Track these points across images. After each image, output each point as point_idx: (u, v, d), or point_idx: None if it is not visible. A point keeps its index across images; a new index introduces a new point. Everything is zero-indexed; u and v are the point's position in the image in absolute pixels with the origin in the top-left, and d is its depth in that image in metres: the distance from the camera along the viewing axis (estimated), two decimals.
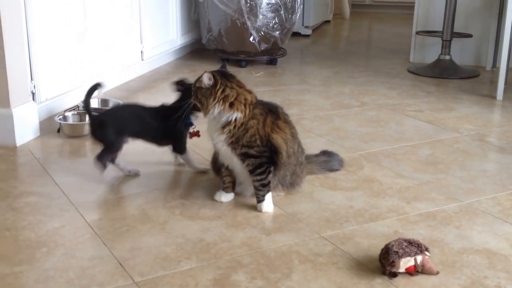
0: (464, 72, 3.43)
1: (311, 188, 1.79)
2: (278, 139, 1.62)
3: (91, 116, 1.84)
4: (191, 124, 1.84)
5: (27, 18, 2.18)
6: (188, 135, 1.86)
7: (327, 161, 1.94)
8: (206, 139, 1.73)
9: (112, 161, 1.84)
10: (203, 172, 1.89)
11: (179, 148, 1.87)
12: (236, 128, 1.59)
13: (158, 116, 1.83)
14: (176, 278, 1.29)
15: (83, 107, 1.84)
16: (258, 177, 1.61)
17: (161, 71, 3.40)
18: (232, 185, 1.69)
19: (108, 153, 1.81)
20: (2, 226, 1.52)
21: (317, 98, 2.86)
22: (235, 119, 1.58)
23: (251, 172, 1.61)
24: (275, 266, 1.35)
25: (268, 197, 1.64)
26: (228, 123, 1.58)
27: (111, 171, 1.83)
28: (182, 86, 1.83)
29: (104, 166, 1.81)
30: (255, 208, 1.65)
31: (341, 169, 1.93)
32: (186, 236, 1.48)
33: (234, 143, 1.60)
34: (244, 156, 1.60)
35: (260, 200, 1.64)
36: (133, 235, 1.45)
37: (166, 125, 1.81)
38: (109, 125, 1.80)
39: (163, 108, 1.85)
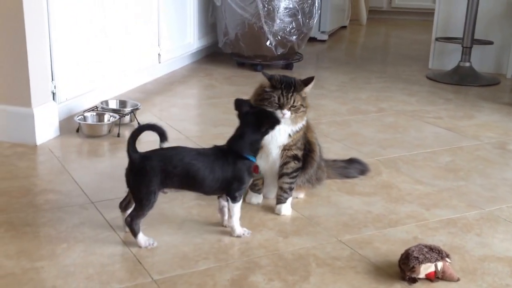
0: (484, 80, 3.40)
1: (328, 193, 1.79)
2: (312, 138, 1.65)
3: (130, 158, 1.38)
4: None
5: (49, 20, 2.21)
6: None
7: (345, 167, 1.93)
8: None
9: (125, 207, 1.46)
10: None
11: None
12: (302, 131, 1.61)
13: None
14: (194, 277, 1.29)
15: (126, 147, 1.39)
16: (291, 180, 1.63)
17: (177, 74, 3.42)
18: (262, 187, 1.70)
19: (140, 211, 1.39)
20: (23, 222, 1.53)
21: (334, 103, 2.86)
22: (305, 122, 1.61)
23: (288, 174, 1.62)
24: (293, 268, 1.35)
25: (289, 200, 1.65)
26: (301, 128, 1.60)
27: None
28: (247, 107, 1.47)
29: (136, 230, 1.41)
30: (271, 210, 1.65)
31: (358, 177, 1.92)
32: (204, 236, 1.49)
33: (292, 145, 1.60)
34: (292, 159, 1.61)
35: (282, 202, 1.64)
36: (151, 234, 1.45)
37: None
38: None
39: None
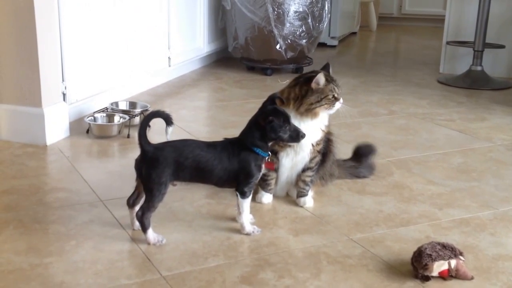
0: (496, 84, 3.37)
1: (338, 192, 1.77)
2: (327, 127, 1.68)
3: (143, 148, 1.38)
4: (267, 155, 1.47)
5: (60, 21, 2.23)
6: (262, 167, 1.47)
7: (355, 166, 1.91)
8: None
9: (133, 204, 1.46)
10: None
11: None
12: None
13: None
14: (204, 274, 1.28)
15: (138, 139, 1.39)
16: (313, 173, 1.66)
17: (187, 78, 3.43)
18: (274, 187, 1.70)
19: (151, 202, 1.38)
20: (33, 219, 1.53)
21: (346, 106, 2.83)
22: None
23: (311, 168, 1.65)
24: (303, 266, 1.33)
25: (310, 193, 1.68)
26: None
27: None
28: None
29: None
30: (282, 209, 1.64)
31: (369, 177, 1.90)
32: (213, 234, 1.47)
33: (321, 139, 1.63)
34: (318, 153, 1.64)
35: (305, 194, 1.66)
36: (160, 232, 1.44)
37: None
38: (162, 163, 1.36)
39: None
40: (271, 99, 1.47)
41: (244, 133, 1.46)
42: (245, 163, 1.42)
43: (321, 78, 1.55)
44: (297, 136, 1.45)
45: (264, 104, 1.47)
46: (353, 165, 1.91)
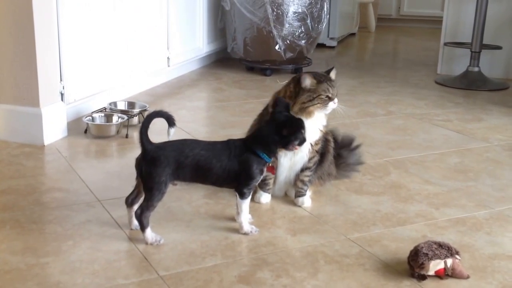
0: (493, 84, 3.38)
1: (336, 192, 1.77)
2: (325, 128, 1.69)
3: (144, 147, 1.39)
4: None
5: (58, 21, 2.23)
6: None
7: (345, 162, 1.92)
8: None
9: (132, 203, 1.46)
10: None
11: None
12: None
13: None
14: (201, 274, 1.28)
15: (139, 137, 1.40)
16: (311, 173, 1.67)
17: (186, 78, 3.43)
18: (273, 186, 1.70)
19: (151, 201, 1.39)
20: (29, 219, 1.53)
21: (343, 107, 2.84)
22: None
23: (309, 168, 1.65)
24: (301, 265, 1.33)
25: (308, 192, 1.68)
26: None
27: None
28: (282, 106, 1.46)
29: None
30: (280, 209, 1.64)
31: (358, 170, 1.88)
32: (211, 233, 1.47)
33: (319, 139, 1.64)
34: (315, 153, 1.65)
35: (303, 194, 1.67)
36: (158, 232, 1.45)
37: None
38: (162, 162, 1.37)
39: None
40: (285, 106, 1.46)
41: (253, 135, 1.46)
42: (247, 165, 1.42)
43: (305, 79, 1.55)
44: (303, 141, 1.47)
45: (274, 109, 1.46)
46: (342, 162, 1.91)
